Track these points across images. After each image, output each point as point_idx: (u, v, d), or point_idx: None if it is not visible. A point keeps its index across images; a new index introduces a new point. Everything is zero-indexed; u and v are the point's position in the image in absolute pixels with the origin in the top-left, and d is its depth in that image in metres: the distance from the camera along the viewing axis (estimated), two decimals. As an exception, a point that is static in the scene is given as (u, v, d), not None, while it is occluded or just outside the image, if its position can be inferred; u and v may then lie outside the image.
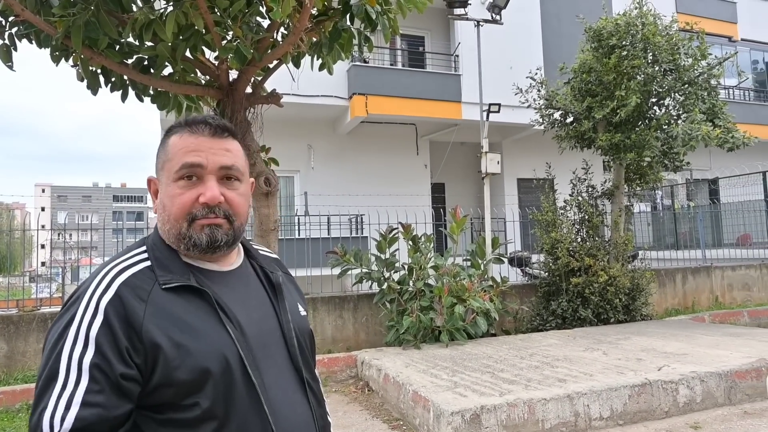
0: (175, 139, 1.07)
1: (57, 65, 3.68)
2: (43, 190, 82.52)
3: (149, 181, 1.12)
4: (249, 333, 1.03)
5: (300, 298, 1.25)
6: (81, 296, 0.96)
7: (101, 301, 0.94)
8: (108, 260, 1.06)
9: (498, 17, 8.60)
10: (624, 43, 7.62)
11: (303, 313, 1.21)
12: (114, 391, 0.89)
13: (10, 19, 3.55)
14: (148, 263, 1.02)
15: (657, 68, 7.65)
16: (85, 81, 3.83)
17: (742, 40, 16.13)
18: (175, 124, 1.11)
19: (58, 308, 6.70)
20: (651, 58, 7.66)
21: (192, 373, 0.93)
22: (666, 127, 7.68)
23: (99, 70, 3.89)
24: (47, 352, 0.92)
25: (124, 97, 4.07)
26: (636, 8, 7.90)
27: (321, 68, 4.46)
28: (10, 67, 3.64)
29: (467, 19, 8.44)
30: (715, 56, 8.36)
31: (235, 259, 1.15)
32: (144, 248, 1.06)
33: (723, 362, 4.84)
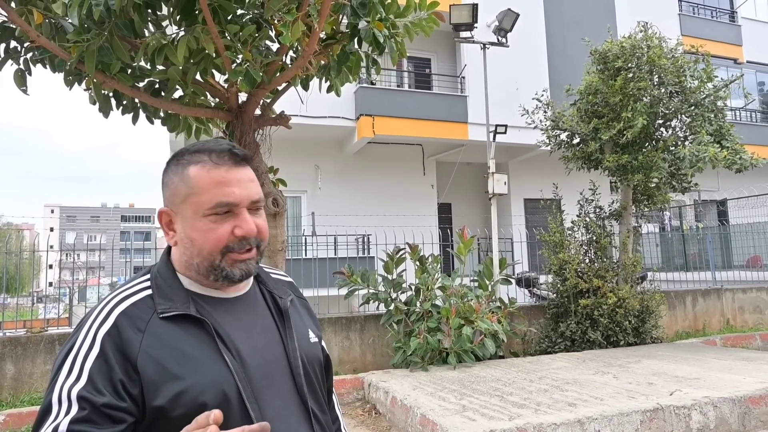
0: (199, 170, 1.03)
1: (70, 89, 3.75)
2: (53, 211, 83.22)
3: (161, 213, 1.07)
4: (251, 362, 1.00)
5: (313, 324, 1.22)
6: (82, 326, 0.97)
7: (99, 332, 0.94)
8: (113, 289, 1.07)
9: (504, 40, 8.69)
10: (630, 65, 7.67)
11: (314, 339, 1.17)
12: (101, 419, 0.87)
13: (25, 44, 3.63)
14: (149, 292, 1.01)
15: (663, 90, 7.68)
16: (97, 104, 3.89)
17: (747, 62, 16.20)
18: (190, 151, 1.06)
19: (65, 329, 6.70)
20: (657, 80, 7.69)
21: (187, 407, 0.91)
22: (673, 148, 7.68)
23: (111, 94, 3.96)
24: (48, 384, 0.93)
25: (135, 120, 4.13)
26: (641, 31, 7.96)
27: (329, 90, 4.52)
28: (24, 92, 3.72)
29: (473, 42, 8.53)
30: (721, 78, 8.39)
31: (244, 284, 1.12)
32: (148, 276, 1.06)
33: (736, 387, 4.75)
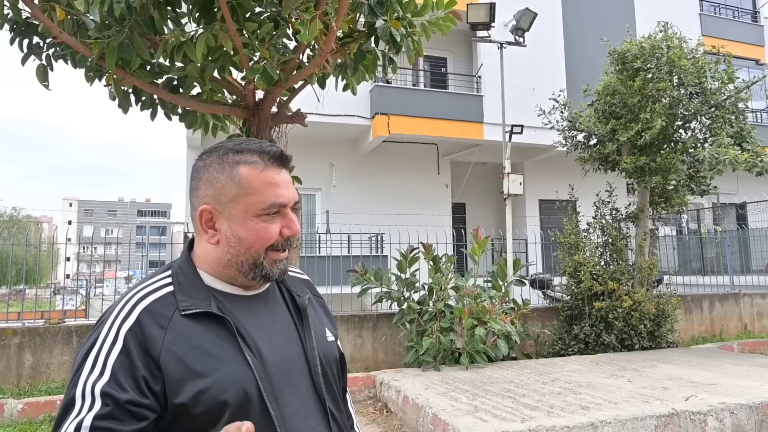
0: (251, 171, 1.04)
1: (91, 85, 3.80)
2: (71, 204, 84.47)
3: (203, 210, 1.06)
4: (270, 360, 1.01)
5: (329, 322, 1.23)
6: (104, 321, 0.97)
7: (122, 328, 0.94)
8: (134, 284, 1.07)
9: (521, 39, 8.63)
10: (649, 65, 7.58)
11: (330, 338, 1.18)
12: (125, 414, 0.88)
13: (48, 41, 3.68)
14: (171, 288, 1.02)
15: (683, 91, 7.58)
16: (117, 100, 3.94)
17: (770, 63, 15.89)
18: (238, 151, 1.07)
19: (82, 320, 6.80)
20: (676, 81, 7.59)
21: (209, 404, 0.92)
22: (692, 150, 7.58)
23: (130, 90, 4.00)
24: (71, 378, 0.94)
25: (153, 116, 4.18)
26: (661, 31, 7.86)
27: (345, 89, 4.53)
28: (46, 87, 3.77)
29: (490, 41, 8.49)
30: (743, 79, 8.25)
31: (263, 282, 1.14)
32: (169, 272, 1.06)
33: (754, 394, 4.68)
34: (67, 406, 0.89)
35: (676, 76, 7.58)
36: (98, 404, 0.88)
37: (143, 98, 4.11)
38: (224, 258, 1.06)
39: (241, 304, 1.06)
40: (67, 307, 8.75)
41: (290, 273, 1.23)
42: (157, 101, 4.15)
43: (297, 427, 1.00)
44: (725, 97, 7.61)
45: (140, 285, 1.04)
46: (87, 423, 0.86)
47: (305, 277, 1.29)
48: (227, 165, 1.06)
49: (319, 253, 9.94)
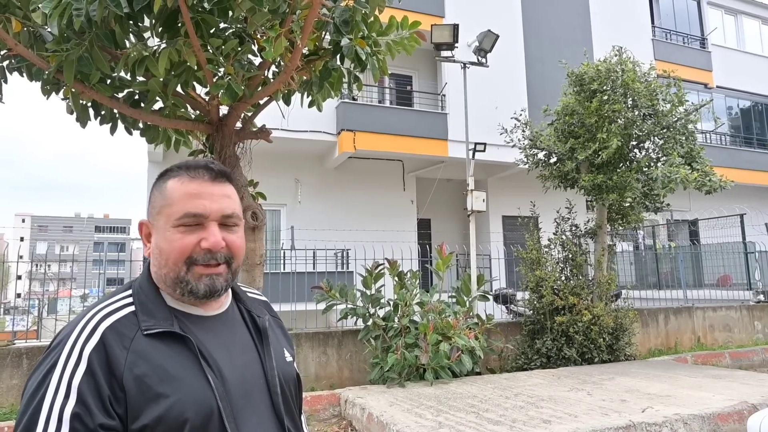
0: (175, 183, 1.06)
1: (48, 98, 3.71)
2: (23, 220, 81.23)
3: (141, 224, 1.10)
4: (231, 380, 1.01)
5: (287, 344, 1.24)
6: (64, 341, 0.94)
7: (85, 348, 0.93)
8: (93, 304, 1.05)
9: (484, 60, 8.86)
10: (605, 87, 7.88)
11: (289, 359, 1.19)
12: None
13: (2, 52, 3.58)
14: (132, 308, 1.01)
15: (637, 113, 7.90)
16: (75, 114, 3.85)
17: (717, 87, 16.76)
18: (173, 168, 1.10)
19: (33, 342, 6.52)
20: (631, 102, 7.91)
21: (169, 424, 0.91)
22: (646, 169, 7.88)
23: (89, 104, 3.92)
24: (26, 400, 0.90)
25: (113, 131, 4.10)
26: (616, 55, 8.20)
27: (311, 105, 4.55)
28: None
29: (454, 61, 8.68)
30: (692, 102, 8.67)
31: (223, 302, 1.14)
32: (130, 292, 1.06)
33: (706, 405, 4.85)
34: (28, 430, 0.87)
35: (631, 98, 7.90)
36: (65, 429, 0.86)
37: (103, 112, 4.03)
38: (155, 271, 1.07)
39: (202, 325, 1.06)
40: (18, 327, 8.38)
41: (249, 294, 1.24)
42: (117, 115, 4.08)
43: None
44: (676, 119, 7.97)
45: (101, 304, 1.03)
46: None
47: (263, 298, 1.30)
48: (162, 181, 1.09)
49: (284, 269, 9.84)
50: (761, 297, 11.36)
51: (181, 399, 0.93)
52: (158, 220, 1.06)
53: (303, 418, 1.28)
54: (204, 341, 1.02)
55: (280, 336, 1.23)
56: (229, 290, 1.17)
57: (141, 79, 3.73)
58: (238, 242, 1.08)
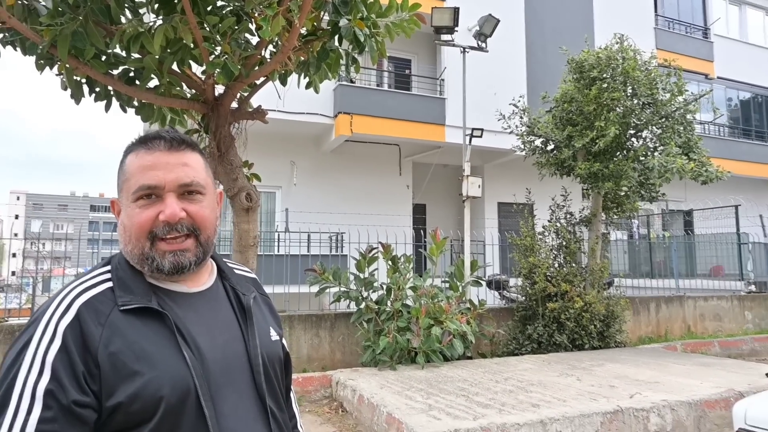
0: (132, 158, 1.05)
1: (41, 73, 3.66)
2: (18, 198, 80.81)
3: (112, 202, 1.09)
4: (210, 358, 0.99)
5: (274, 322, 1.21)
6: (39, 318, 0.93)
7: (59, 325, 0.91)
8: (70, 281, 1.03)
9: (484, 45, 8.79)
10: (605, 75, 7.85)
11: (275, 337, 1.16)
12: (68, 418, 0.85)
13: (-4, 25, 3.53)
14: (110, 284, 0.99)
15: (636, 101, 7.88)
16: (69, 90, 3.81)
17: (718, 77, 16.70)
18: (132, 142, 1.08)
19: (26, 319, 6.54)
20: (630, 91, 7.89)
21: (145, 401, 0.90)
22: (643, 158, 7.88)
23: (83, 80, 3.88)
24: (1, 376, 0.88)
25: (107, 108, 4.06)
26: (617, 43, 8.15)
27: (308, 87, 4.51)
28: (-7, 73, 3.61)
29: (453, 45, 8.61)
30: (692, 92, 8.65)
31: (206, 279, 1.11)
32: (108, 268, 1.04)
33: (693, 392, 4.92)
34: (1, 406, 0.85)
35: (630, 87, 7.87)
36: (38, 406, 0.84)
37: (97, 89, 3.98)
38: (122, 248, 1.04)
39: (182, 301, 1.04)
40: (11, 305, 8.39)
41: (236, 271, 1.21)
42: (111, 92, 4.04)
43: (234, 425, 0.99)
44: (675, 108, 7.95)
45: (78, 280, 1.01)
46: (31, 429, 0.82)
47: (252, 275, 1.27)
48: (123, 156, 1.07)
49: (278, 251, 9.85)
50: (753, 287, 11.47)
51: (156, 376, 0.91)
52: (121, 197, 1.05)
53: (293, 396, 1.27)
54: (183, 318, 1.00)
55: (266, 314, 1.20)
56: (213, 266, 1.16)
57: (136, 56, 3.68)
58: (201, 212, 1.05)
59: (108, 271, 1.03)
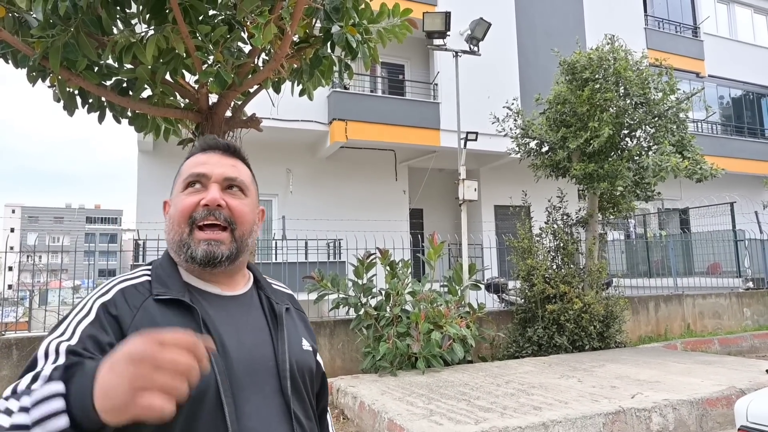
0: (189, 160, 1.15)
1: (33, 86, 3.65)
2: (13, 211, 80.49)
3: (165, 203, 1.17)
4: (235, 357, 1.01)
5: (308, 334, 1.23)
6: (83, 299, 1.02)
7: (96, 302, 0.98)
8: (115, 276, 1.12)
9: (476, 48, 8.82)
10: (597, 76, 7.87)
11: (307, 347, 1.18)
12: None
13: (-13, 38, 3.51)
14: (148, 278, 1.06)
15: (628, 101, 7.90)
16: (62, 102, 3.80)
17: (709, 76, 16.80)
18: (192, 149, 1.18)
19: (24, 333, 6.48)
20: (623, 91, 7.91)
21: None
22: (637, 158, 7.90)
23: (76, 91, 3.87)
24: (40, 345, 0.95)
25: (101, 119, 4.05)
26: (608, 44, 8.19)
27: (301, 94, 4.51)
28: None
29: (446, 49, 8.63)
30: (684, 91, 8.68)
31: (242, 286, 1.15)
32: (150, 267, 1.11)
33: (695, 390, 4.91)
34: (30, 366, 0.90)
35: (622, 87, 7.90)
36: (62, 359, 0.87)
37: (90, 100, 3.98)
38: (166, 240, 1.12)
39: (215, 302, 1.08)
40: (8, 319, 8.33)
41: (274, 285, 1.25)
42: (105, 104, 4.03)
43: (255, 425, 0.99)
44: (667, 107, 7.98)
45: (121, 275, 1.08)
46: (46, 373, 0.83)
47: (289, 291, 1.31)
48: (184, 161, 1.17)
49: (276, 259, 9.82)
50: (750, 284, 11.49)
51: None
52: (173, 193, 1.14)
53: (329, 418, 1.28)
54: (212, 316, 1.04)
55: (300, 326, 1.22)
56: (250, 276, 1.20)
57: (129, 66, 3.68)
58: (240, 207, 1.11)
59: (149, 269, 1.10)
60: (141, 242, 9.08)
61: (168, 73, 3.71)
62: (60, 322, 0.96)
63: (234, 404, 0.97)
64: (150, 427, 0.88)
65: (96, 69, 3.71)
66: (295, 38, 4.00)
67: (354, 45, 3.76)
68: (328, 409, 1.29)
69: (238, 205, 1.10)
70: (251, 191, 1.16)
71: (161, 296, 1.01)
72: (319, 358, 1.24)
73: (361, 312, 6.69)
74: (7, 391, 0.84)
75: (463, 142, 8.42)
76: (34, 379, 0.82)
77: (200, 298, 1.06)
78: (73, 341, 0.91)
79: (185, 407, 0.91)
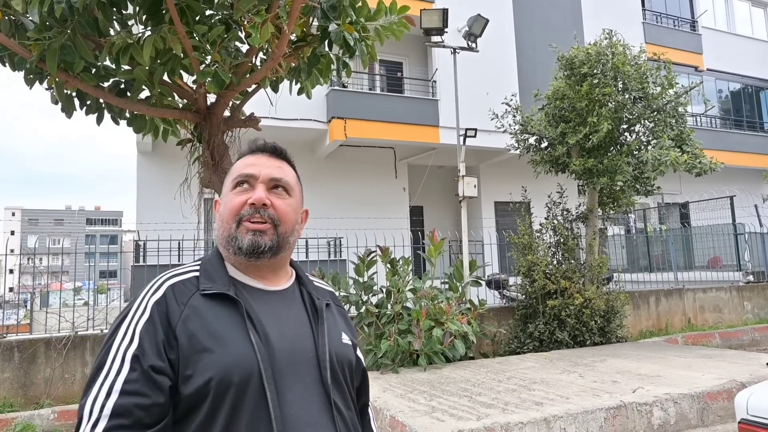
0: (239, 161, 1.23)
1: (31, 88, 3.65)
2: (13, 214, 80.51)
3: (216, 202, 1.25)
4: (278, 347, 1.07)
5: (348, 329, 1.28)
6: (137, 297, 1.09)
7: (150, 301, 1.06)
8: (167, 270, 1.19)
9: (474, 45, 8.80)
10: (595, 71, 7.86)
11: (347, 341, 1.23)
12: (147, 380, 0.97)
13: (-16, 41, 3.51)
14: (197, 274, 1.13)
15: (627, 96, 7.89)
16: (60, 104, 3.79)
17: (707, 69, 16.77)
18: (242, 151, 1.27)
19: (25, 335, 6.49)
20: (621, 86, 7.90)
21: (211, 376, 0.99)
22: (636, 152, 7.90)
23: (74, 93, 3.87)
24: (103, 344, 1.04)
25: (99, 120, 4.05)
26: (606, 38, 8.18)
27: (300, 92, 4.51)
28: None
29: (444, 46, 8.62)
30: (682, 85, 8.68)
31: (284, 282, 1.22)
32: (199, 263, 1.18)
33: (696, 384, 4.92)
34: (99, 368, 1.00)
35: (621, 82, 7.89)
36: (126, 368, 0.98)
37: (88, 102, 3.98)
38: (217, 235, 1.19)
39: (259, 296, 1.15)
40: (9, 321, 8.33)
41: (315, 282, 1.32)
42: (103, 105, 4.03)
43: (297, 412, 1.04)
44: (666, 101, 7.97)
45: (172, 270, 1.16)
46: (118, 387, 0.96)
47: (330, 289, 1.36)
48: (235, 162, 1.26)
49: (277, 258, 9.80)
50: (751, 278, 11.50)
51: (224, 354, 1.01)
52: (223, 193, 1.21)
53: (370, 413, 1.32)
54: (256, 309, 1.10)
55: (340, 322, 1.27)
56: (293, 273, 1.27)
57: (126, 67, 3.67)
58: (284, 207, 1.19)
59: (198, 265, 1.17)
60: (141, 243, 9.09)
61: (166, 73, 3.71)
62: (120, 321, 1.05)
63: (276, 391, 1.03)
64: (202, 410, 0.99)
65: (93, 70, 3.71)
66: (293, 37, 4.00)
67: (351, 43, 3.76)
68: (369, 404, 1.34)
69: (282, 204, 1.18)
70: (295, 192, 1.24)
71: (208, 291, 1.08)
72: (359, 353, 1.29)
73: (363, 310, 6.70)
74: (88, 398, 0.97)
75: (462, 138, 8.42)
76: (108, 394, 0.96)
77: (245, 292, 1.12)
78: (134, 345, 1.00)
79: (230, 393, 0.99)
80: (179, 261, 7.70)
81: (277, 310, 1.14)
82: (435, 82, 12.34)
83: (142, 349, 0.99)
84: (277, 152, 1.24)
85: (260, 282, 1.16)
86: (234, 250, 1.13)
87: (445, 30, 8.28)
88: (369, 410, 1.32)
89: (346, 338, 1.23)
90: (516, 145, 9.00)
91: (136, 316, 1.04)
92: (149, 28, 3.46)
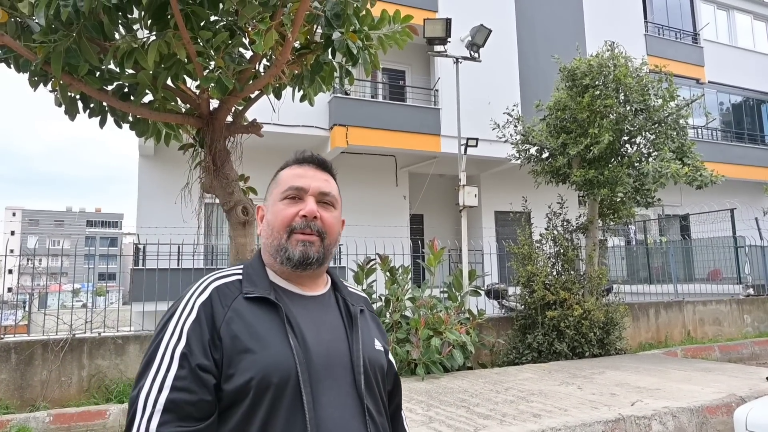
0: (286, 170, 1.27)
1: (35, 90, 3.66)
2: (14, 214, 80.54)
3: (258, 207, 1.31)
4: (314, 351, 1.11)
5: (380, 335, 1.32)
6: (183, 297, 1.14)
7: (197, 302, 1.11)
8: (211, 273, 1.23)
9: (476, 55, 8.85)
10: (597, 83, 7.89)
11: (379, 347, 1.26)
12: (195, 378, 1.02)
13: (-11, 43, 3.53)
14: (240, 277, 1.18)
15: (628, 108, 7.92)
16: (63, 106, 3.81)
17: (709, 82, 16.82)
18: (287, 161, 1.30)
19: (23, 336, 6.47)
20: (622, 98, 7.93)
21: (251, 376, 1.03)
22: (637, 164, 7.91)
23: (78, 96, 3.88)
24: (152, 340, 1.09)
25: (102, 123, 4.06)
26: (608, 50, 8.21)
27: (302, 99, 4.52)
28: (-13, 91, 3.61)
29: (446, 56, 8.66)
30: (684, 97, 8.71)
31: (322, 287, 1.26)
32: (242, 267, 1.22)
33: (695, 397, 4.89)
34: (148, 363, 1.05)
35: (622, 94, 7.92)
36: (175, 365, 1.03)
37: (92, 105, 3.99)
38: (264, 243, 1.24)
39: (297, 301, 1.19)
40: (7, 322, 8.30)
41: (350, 289, 1.36)
42: (106, 108, 4.04)
43: (332, 414, 1.07)
44: (667, 114, 7.99)
45: (216, 272, 1.21)
46: (168, 383, 1.01)
47: (364, 295, 1.40)
48: (277, 173, 1.30)
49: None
50: (751, 291, 11.47)
51: (264, 357, 1.05)
52: (268, 201, 1.26)
53: (403, 415, 1.38)
54: (295, 313, 1.14)
55: (373, 327, 1.31)
56: (329, 280, 1.31)
57: (130, 71, 3.69)
58: (331, 219, 1.24)
59: (241, 269, 1.21)
60: (141, 246, 9.08)
61: (169, 78, 3.72)
62: (168, 319, 1.10)
63: (311, 394, 1.06)
64: (242, 407, 1.03)
65: (97, 74, 3.72)
66: (296, 44, 4.01)
67: (355, 51, 3.76)
68: (402, 406, 1.37)
69: (329, 217, 1.23)
70: (339, 205, 1.29)
71: (250, 294, 1.13)
72: (391, 357, 1.33)
73: (361, 317, 6.67)
74: (141, 392, 1.01)
75: (463, 147, 8.43)
76: (160, 389, 1.01)
77: (284, 296, 1.17)
78: (182, 343, 1.05)
79: (269, 393, 1.04)
80: (179, 266, 7.68)
81: (314, 315, 1.18)
82: (437, 91, 12.37)
83: (189, 347, 1.04)
84: (323, 165, 1.28)
85: (299, 288, 1.21)
86: (282, 260, 1.18)
87: (448, 39, 8.33)
88: (402, 413, 1.36)
89: (378, 344, 1.26)
90: (517, 155, 9.01)
91: (184, 315, 1.09)
92: (154, 32, 3.48)
